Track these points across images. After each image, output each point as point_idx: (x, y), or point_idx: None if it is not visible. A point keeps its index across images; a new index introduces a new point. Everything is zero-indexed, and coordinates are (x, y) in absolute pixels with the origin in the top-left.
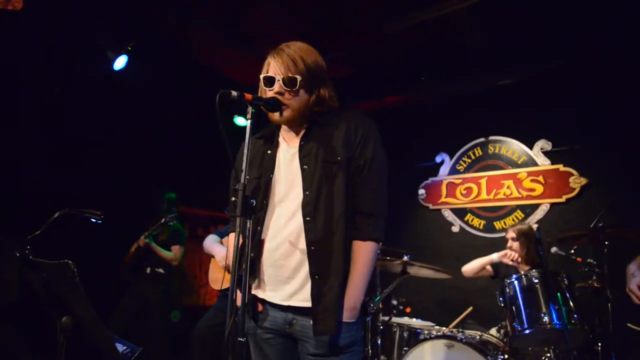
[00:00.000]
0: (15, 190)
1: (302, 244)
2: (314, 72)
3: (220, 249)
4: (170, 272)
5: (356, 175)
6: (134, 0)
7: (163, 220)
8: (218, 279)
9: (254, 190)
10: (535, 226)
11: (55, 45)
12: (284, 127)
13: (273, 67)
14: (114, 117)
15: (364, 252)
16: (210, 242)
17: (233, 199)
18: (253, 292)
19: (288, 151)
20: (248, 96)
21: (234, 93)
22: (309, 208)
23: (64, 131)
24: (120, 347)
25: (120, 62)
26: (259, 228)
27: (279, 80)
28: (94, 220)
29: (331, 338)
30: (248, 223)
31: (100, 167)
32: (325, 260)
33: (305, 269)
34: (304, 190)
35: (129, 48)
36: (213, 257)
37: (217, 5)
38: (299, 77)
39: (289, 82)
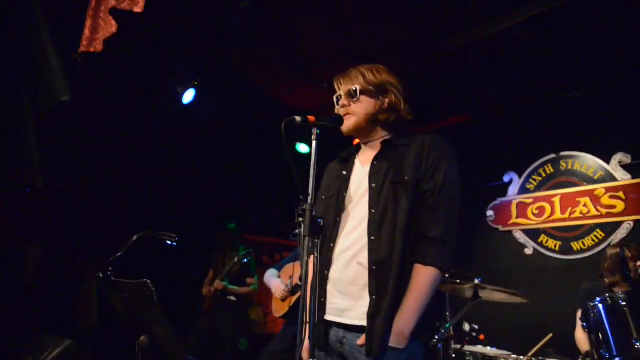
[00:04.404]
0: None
1: (365, 263)
2: (376, 83)
3: (275, 282)
4: (242, 300)
5: (425, 199)
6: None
7: (237, 259)
8: (280, 307)
9: (327, 209)
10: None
11: (132, 83)
12: (362, 150)
13: (338, 86)
14: (184, 146)
15: (422, 277)
16: (268, 277)
17: (300, 219)
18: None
19: (361, 171)
20: (311, 118)
21: (298, 118)
22: (374, 227)
23: (138, 161)
24: None
25: (189, 97)
26: (331, 245)
27: (342, 95)
28: (169, 242)
29: None
30: (315, 243)
31: (170, 194)
32: (384, 281)
33: (366, 288)
34: (370, 208)
35: (196, 83)
36: None
37: (274, 34)
38: (359, 87)
39: (350, 93)
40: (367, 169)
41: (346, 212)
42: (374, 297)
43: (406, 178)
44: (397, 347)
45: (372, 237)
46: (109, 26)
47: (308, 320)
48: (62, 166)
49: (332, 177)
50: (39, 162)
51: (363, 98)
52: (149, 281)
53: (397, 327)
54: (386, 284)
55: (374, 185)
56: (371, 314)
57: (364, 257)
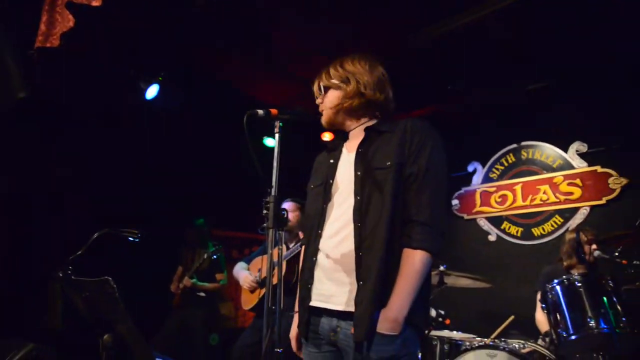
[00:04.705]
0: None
1: (352, 249)
2: (339, 76)
3: (244, 274)
4: (211, 295)
5: (409, 182)
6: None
7: (206, 256)
8: (249, 299)
9: (315, 198)
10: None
11: (92, 77)
12: (348, 138)
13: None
14: (148, 143)
15: (411, 261)
16: (237, 270)
17: (265, 212)
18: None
19: (347, 158)
20: (274, 111)
21: (261, 111)
22: (359, 214)
23: (100, 158)
24: None
25: (152, 92)
26: (319, 232)
27: (316, 93)
28: (131, 239)
29: (368, 349)
30: (279, 235)
31: (135, 192)
32: (370, 266)
33: (352, 273)
34: (355, 195)
35: (160, 78)
36: None
37: (245, 30)
38: (322, 84)
39: (320, 89)
40: (352, 156)
41: (333, 199)
42: (360, 282)
43: (388, 163)
44: (391, 334)
45: (358, 224)
46: (66, 20)
47: (297, 309)
48: (20, 162)
49: (320, 166)
50: None
51: (329, 92)
52: (110, 278)
53: (388, 313)
54: (372, 269)
55: (359, 172)
56: (359, 300)
57: (350, 244)
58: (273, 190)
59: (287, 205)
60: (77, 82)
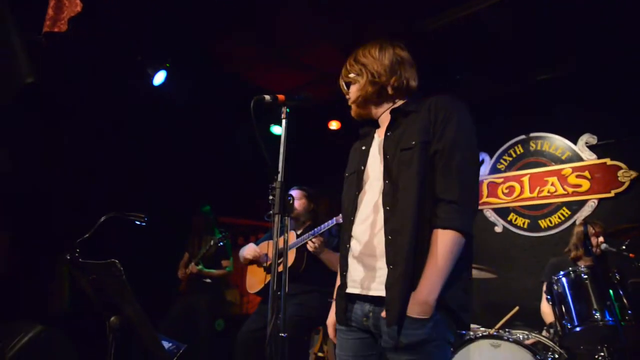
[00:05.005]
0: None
1: (382, 233)
2: (355, 71)
3: (249, 245)
4: (217, 281)
5: (436, 160)
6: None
7: (212, 243)
8: (254, 283)
9: (349, 186)
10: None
11: (99, 64)
12: (380, 124)
13: None
14: (154, 130)
15: (440, 242)
16: (242, 249)
17: (271, 198)
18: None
19: (377, 144)
20: (281, 97)
21: (268, 97)
22: (388, 197)
23: (108, 143)
24: (165, 344)
25: (160, 78)
26: (352, 218)
27: (344, 91)
28: (138, 222)
29: (399, 333)
30: (286, 221)
31: (142, 178)
32: (401, 250)
33: (383, 258)
34: (384, 179)
35: (167, 65)
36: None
37: (249, 16)
38: (343, 81)
39: (344, 85)
40: (381, 140)
41: (365, 186)
42: (391, 267)
43: (413, 142)
44: (422, 318)
45: (387, 207)
46: (74, 5)
47: (334, 296)
48: (28, 149)
49: (354, 154)
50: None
51: (351, 88)
52: (117, 261)
53: (418, 296)
54: (401, 252)
55: (388, 156)
56: (389, 284)
57: (380, 228)
58: (279, 176)
59: (294, 192)
60: (84, 67)
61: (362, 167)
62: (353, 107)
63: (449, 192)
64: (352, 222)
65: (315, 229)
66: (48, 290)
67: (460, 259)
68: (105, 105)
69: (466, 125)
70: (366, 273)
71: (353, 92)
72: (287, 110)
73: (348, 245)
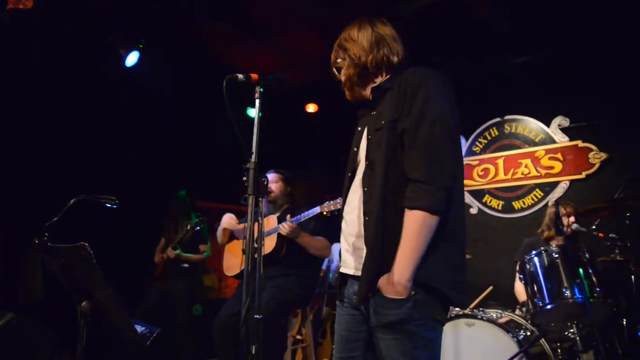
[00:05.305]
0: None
1: (361, 216)
2: (341, 56)
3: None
4: (194, 266)
5: (405, 138)
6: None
7: (189, 227)
8: (231, 265)
9: (347, 168)
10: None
11: (68, 43)
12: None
13: None
14: (128, 111)
15: (408, 223)
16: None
17: (244, 178)
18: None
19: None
20: (254, 76)
21: (241, 75)
22: (366, 179)
23: (79, 125)
24: (138, 328)
25: (132, 59)
26: (345, 200)
27: (337, 77)
28: (109, 205)
29: (377, 313)
30: (260, 203)
31: (117, 162)
32: (373, 230)
33: (361, 238)
34: (365, 160)
35: (141, 45)
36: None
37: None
38: (334, 67)
39: (336, 71)
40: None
41: (358, 167)
42: (367, 247)
43: (383, 122)
44: (398, 298)
45: (365, 189)
46: None
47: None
48: None
49: (354, 136)
50: None
51: (342, 72)
52: (86, 244)
53: (391, 277)
54: (370, 234)
55: (370, 136)
56: (363, 265)
57: (359, 209)
58: (253, 156)
59: (270, 176)
60: (53, 46)
61: (355, 149)
62: (345, 91)
63: (416, 171)
64: (344, 204)
65: (301, 215)
66: (19, 277)
67: (441, 237)
68: (76, 87)
69: (436, 95)
70: (353, 253)
71: (344, 76)
72: (261, 89)
73: (341, 226)
